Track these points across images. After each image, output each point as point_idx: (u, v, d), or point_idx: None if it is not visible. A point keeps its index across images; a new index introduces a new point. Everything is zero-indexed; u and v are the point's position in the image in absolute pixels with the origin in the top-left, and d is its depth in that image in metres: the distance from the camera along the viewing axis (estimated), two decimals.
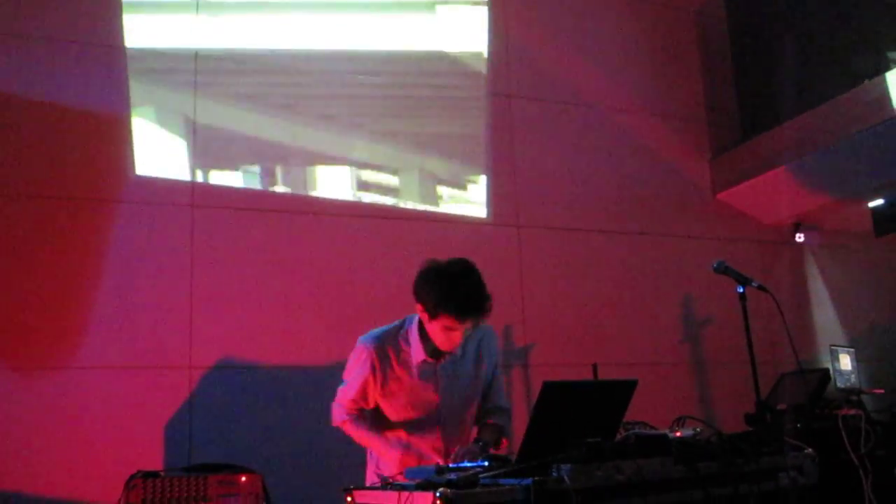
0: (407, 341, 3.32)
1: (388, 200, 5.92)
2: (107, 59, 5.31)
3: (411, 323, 3.35)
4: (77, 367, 4.85)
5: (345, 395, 3.43)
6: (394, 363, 3.30)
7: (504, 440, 3.35)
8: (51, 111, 5.10)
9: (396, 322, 3.40)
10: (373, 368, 3.29)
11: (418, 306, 3.22)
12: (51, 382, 4.78)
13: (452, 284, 3.13)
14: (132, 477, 3.94)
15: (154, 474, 3.97)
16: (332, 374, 5.34)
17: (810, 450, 2.99)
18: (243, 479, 4.06)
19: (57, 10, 5.24)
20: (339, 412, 3.48)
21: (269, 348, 5.29)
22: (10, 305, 4.79)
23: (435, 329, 3.19)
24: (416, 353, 3.29)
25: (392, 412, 3.36)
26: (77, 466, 4.69)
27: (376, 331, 3.38)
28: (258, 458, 4.61)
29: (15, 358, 4.76)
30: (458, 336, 3.18)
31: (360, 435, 3.47)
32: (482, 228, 6.13)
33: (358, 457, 5.25)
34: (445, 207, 6.08)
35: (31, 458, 4.63)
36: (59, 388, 4.78)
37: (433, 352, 3.29)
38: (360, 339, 3.38)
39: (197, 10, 5.58)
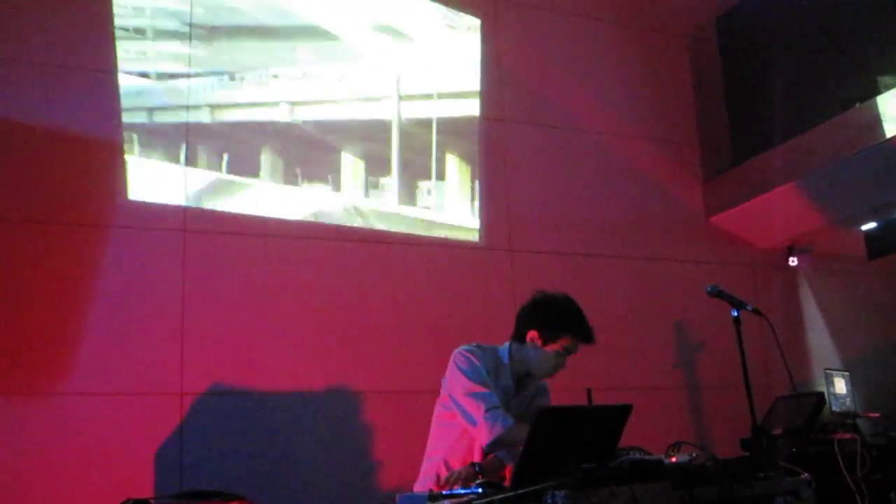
0: (499, 362, 3.49)
1: (380, 225, 5.90)
2: (99, 84, 5.30)
3: (502, 349, 3.53)
4: (67, 393, 4.81)
5: (488, 398, 3.30)
6: (489, 370, 3.43)
7: (508, 467, 3.32)
8: (42, 135, 5.09)
9: (486, 345, 3.54)
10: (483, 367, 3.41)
11: (532, 332, 3.43)
12: (40, 408, 4.73)
13: (578, 312, 3.45)
14: None
15: (144, 502, 3.92)
16: (325, 400, 5.37)
17: (807, 474, 2.97)
18: None
19: (48, 35, 5.24)
20: (501, 416, 3.26)
21: (261, 374, 5.25)
22: None
23: (547, 354, 3.42)
24: (505, 376, 3.46)
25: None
26: (66, 493, 4.64)
27: (472, 344, 3.51)
28: (250, 486, 4.57)
29: (4, 384, 4.71)
30: (565, 362, 3.46)
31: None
32: (475, 252, 6.12)
33: (352, 483, 5.23)
34: (438, 232, 6.07)
35: (20, 484, 4.58)
36: (48, 414, 4.74)
37: (517, 381, 3.50)
38: (465, 346, 3.48)
39: (190, 39, 5.58)
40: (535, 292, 3.55)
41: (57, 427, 4.74)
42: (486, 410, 3.23)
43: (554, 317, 3.43)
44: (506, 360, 3.49)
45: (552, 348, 3.41)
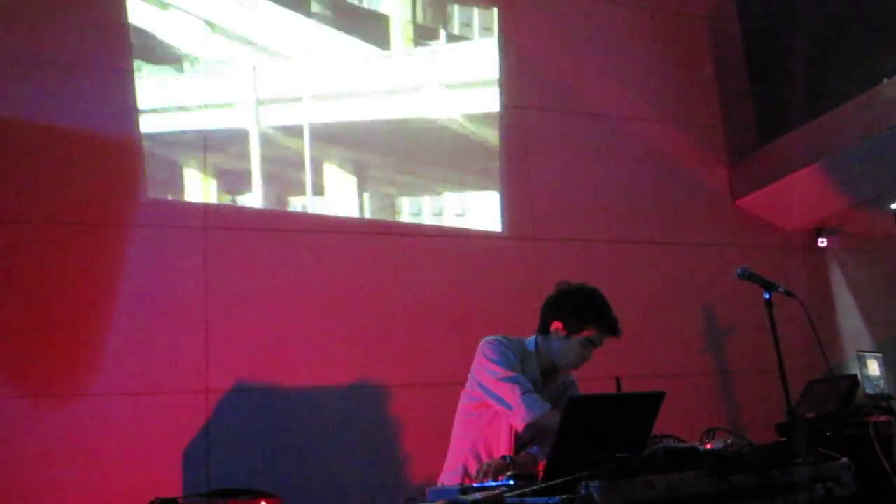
0: (526, 352, 3.45)
1: (403, 217, 5.85)
2: (116, 83, 5.29)
3: (529, 341, 3.49)
4: (92, 393, 4.81)
5: (522, 383, 3.28)
6: (518, 360, 3.41)
7: (541, 463, 3.27)
8: (61, 136, 5.08)
9: (513, 337, 3.50)
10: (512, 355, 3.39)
11: (557, 323, 3.40)
12: (66, 409, 4.73)
13: (602, 302, 3.41)
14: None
15: (172, 501, 3.92)
16: (350, 395, 5.34)
17: (846, 459, 2.90)
18: (263, 503, 4.00)
19: (66, 36, 5.23)
20: (539, 400, 3.23)
21: (285, 370, 5.23)
22: (23, 332, 4.75)
23: (572, 346, 3.39)
24: (532, 369, 3.42)
25: None
26: (94, 494, 4.64)
27: (499, 335, 3.48)
28: (278, 482, 4.55)
29: (31, 385, 4.72)
30: (591, 353, 3.42)
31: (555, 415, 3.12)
32: (498, 242, 6.06)
33: (378, 478, 5.20)
34: (461, 222, 6.01)
35: (47, 487, 4.58)
36: (74, 414, 4.74)
37: (543, 373, 3.45)
38: (492, 336, 3.46)
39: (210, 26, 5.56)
40: (560, 283, 3.52)
41: (83, 428, 4.74)
42: (522, 394, 3.20)
43: (578, 307, 3.40)
44: (532, 350, 3.45)
45: (577, 341, 3.38)
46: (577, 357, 3.41)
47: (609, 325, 3.38)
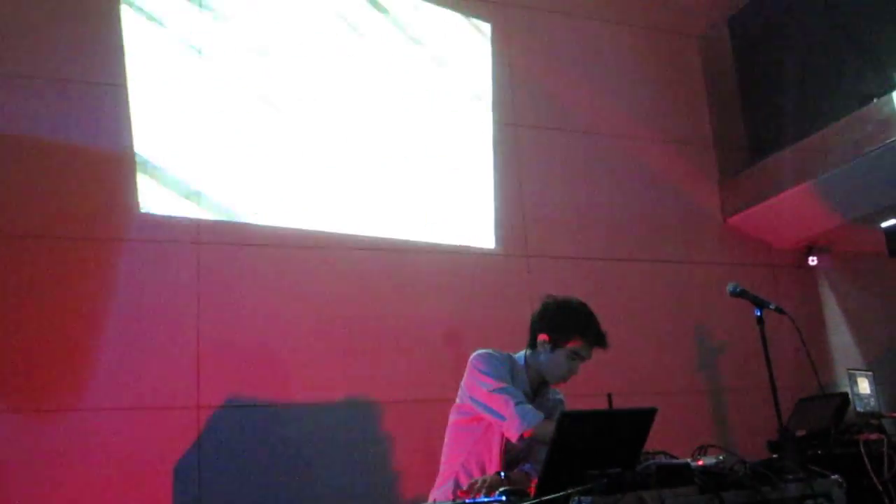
0: (516, 367, 3.44)
1: (395, 233, 5.86)
2: (109, 97, 5.29)
3: (519, 356, 3.49)
4: (83, 408, 4.78)
5: (514, 394, 3.27)
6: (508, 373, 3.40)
7: (534, 480, 3.27)
8: (54, 150, 5.08)
9: (503, 352, 3.50)
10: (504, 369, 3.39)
11: (543, 336, 3.41)
12: (57, 424, 4.71)
13: (588, 315, 3.41)
14: None
15: None
16: (342, 411, 5.32)
17: (837, 476, 2.91)
18: None
19: (59, 50, 5.24)
20: (532, 410, 3.22)
21: (277, 386, 5.22)
22: (14, 347, 4.74)
23: (558, 358, 3.39)
24: (522, 382, 3.40)
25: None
26: None
27: (489, 349, 3.48)
28: (269, 499, 4.54)
29: (21, 400, 4.69)
30: (577, 367, 3.40)
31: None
32: (491, 259, 6.07)
33: (370, 494, 5.18)
34: (453, 238, 6.02)
35: (37, 502, 4.55)
36: (65, 429, 4.71)
37: (533, 388, 3.46)
38: (482, 350, 3.46)
39: (200, 52, 5.57)
40: (546, 296, 3.53)
41: (74, 443, 4.71)
42: (516, 405, 3.19)
43: (562, 319, 3.41)
44: (522, 365, 3.45)
45: (563, 353, 3.38)
46: (563, 370, 3.40)
47: (595, 337, 3.37)
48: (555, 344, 3.38)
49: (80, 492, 4.64)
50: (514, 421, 3.16)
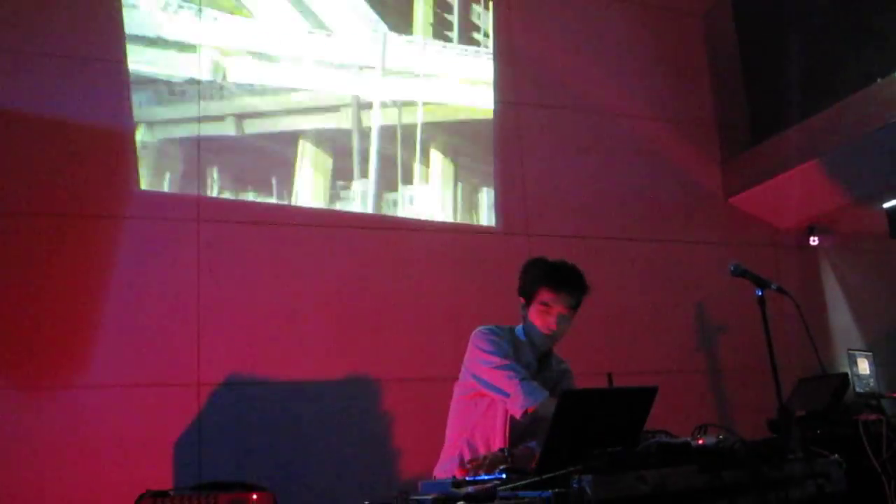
0: (517, 340, 3.43)
1: (396, 211, 5.85)
2: (109, 74, 5.28)
3: (519, 329, 3.48)
4: (84, 385, 4.80)
5: (517, 370, 3.24)
6: (510, 349, 3.38)
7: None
8: (53, 127, 5.07)
9: (504, 325, 3.49)
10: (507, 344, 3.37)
11: (521, 300, 3.43)
12: (58, 401, 4.73)
13: (551, 263, 3.42)
14: (141, 496, 3.88)
15: (163, 493, 3.90)
16: (343, 389, 5.33)
17: (836, 456, 2.91)
18: (255, 497, 3.99)
19: (57, 27, 5.22)
20: (536, 386, 3.19)
21: (278, 363, 5.23)
22: (15, 324, 4.74)
23: (533, 315, 3.37)
24: (525, 355, 3.39)
25: None
26: (85, 486, 4.63)
27: (490, 325, 3.46)
28: (269, 475, 4.55)
29: (22, 377, 4.71)
30: (552, 317, 3.34)
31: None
32: (492, 237, 6.07)
33: (371, 472, 5.20)
34: (454, 217, 6.01)
35: (38, 478, 4.57)
36: (66, 406, 4.73)
37: (537, 358, 3.43)
38: (484, 326, 3.44)
39: (198, 49, 5.54)
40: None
41: (75, 420, 4.73)
42: (520, 381, 3.17)
43: (526, 275, 3.44)
44: (523, 337, 3.43)
45: (536, 309, 3.36)
46: (542, 326, 3.36)
47: (555, 280, 3.35)
48: (527, 302, 3.40)
49: (80, 468, 4.66)
50: (517, 397, 3.14)
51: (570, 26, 6.78)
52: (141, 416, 4.84)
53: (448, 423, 3.50)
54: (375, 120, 5.92)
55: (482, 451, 3.24)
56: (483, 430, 3.35)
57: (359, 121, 5.87)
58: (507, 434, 3.30)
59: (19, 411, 4.64)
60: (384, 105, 5.97)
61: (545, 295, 3.34)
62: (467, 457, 3.26)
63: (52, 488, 4.59)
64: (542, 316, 3.35)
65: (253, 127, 5.60)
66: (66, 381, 4.78)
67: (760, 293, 3.71)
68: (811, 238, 7.00)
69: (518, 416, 3.16)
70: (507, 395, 3.18)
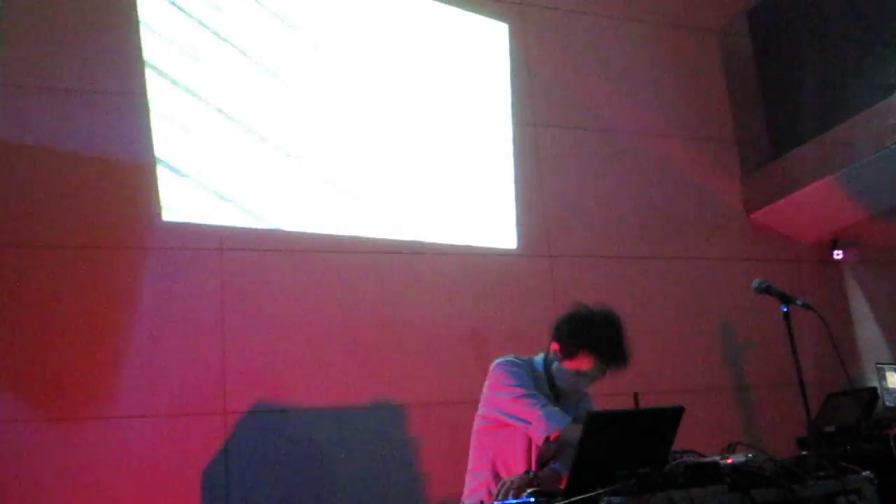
0: (535, 371, 3.38)
1: (416, 236, 5.86)
2: (129, 107, 5.32)
3: (538, 360, 3.42)
4: (110, 416, 4.81)
5: (539, 399, 3.22)
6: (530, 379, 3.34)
7: (564, 478, 3.24)
8: (75, 160, 5.11)
9: (523, 356, 3.44)
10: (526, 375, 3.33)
11: (555, 344, 3.32)
12: (84, 433, 4.73)
13: (607, 337, 3.23)
14: None
15: None
16: (368, 415, 5.33)
17: (868, 472, 2.88)
18: None
19: (79, 60, 5.27)
20: (558, 413, 3.18)
21: (303, 391, 5.23)
22: (41, 357, 4.76)
23: (564, 372, 3.29)
24: (543, 386, 3.34)
25: None
26: None
27: (509, 356, 3.42)
28: (296, 502, 4.54)
29: (48, 409, 4.72)
30: (585, 382, 3.31)
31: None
32: (514, 260, 6.06)
33: (397, 497, 5.19)
34: (475, 240, 6.01)
35: None
36: (93, 438, 4.74)
37: (556, 392, 3.38)
38: (503, 358, 3.40)
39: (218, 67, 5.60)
40: (575, 304, 3.37)
41: (101, 451, 4.74)
42: (542, 408, 3.15)
43: (576, 332, 3.26)
44: (541, 368, 3.39)
45: (571, 366, 3.27)
46: (567, 384, 3.32)
47: (608, 356, 3.22)
48: (564, 355, 3.29)
49: (107, 499, 4.66)
50: (539, 423, 3.13)
51: (587, 46, 6.79)
52: (168, 446, 4.85)
53: (470, 455, 3.47)
54: (393, 141, 5.93)
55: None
56: (505, 458, 3.33)
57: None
58: (533, 460, 3.28)
59: (46, 444, 4.65)
60: (402, 126, 5.99)
61: (587, 363, 3.24)
62: (492, 486, 3.23)
63: None
64: (576, 377, 3.29)
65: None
66: (92, 413, 4.79)
67: (786, 309, 3.69)
68: (835, 252, 6.94)
69: (540, 442, 3.15)
70: (529, 423, 3.17)
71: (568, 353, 3.26)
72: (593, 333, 3.23)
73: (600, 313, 3.29)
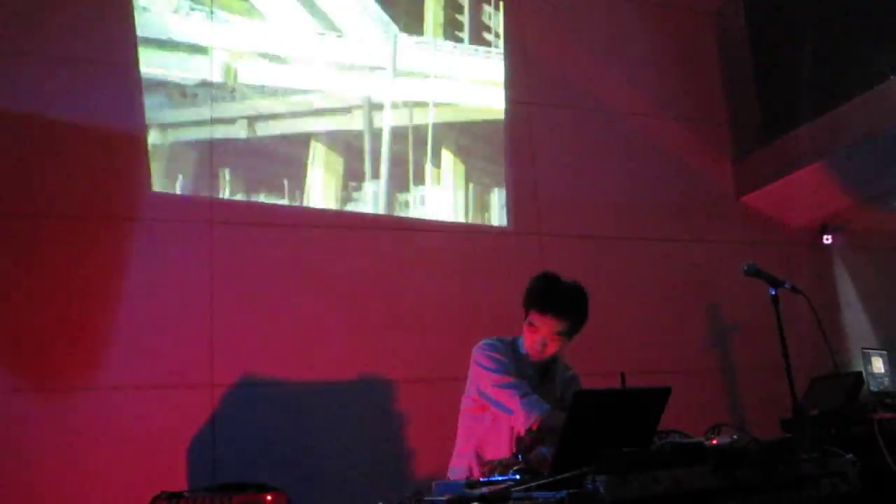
0: (517, 352, 3.40)
1: (408, 212, 5.85)
2: (121, 77, 5.29)
3: (519, 339, 3.44)
4: (98, 387, 4.81)
5: (519, 386, 3.23)
6: (511, 363, 3.36)
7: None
8: (66, 129, 5.09)
9: (507, 338, 3.47)
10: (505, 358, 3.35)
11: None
12: (72, 403, 4.74)
13: (548, 282, 3.31)
14: (156, 497, 3.90)
15: (178, 495, 3.92)
16: (356, 389, 5.34)
17: (851, 455, 2.90)
18: (269, 497, 4.00)
19: (70, 29, 5.24)
20: (537, 401, 3.18)
21: (291, 364, 5.24)
22: (29, 326, 4.76)
23: (524, 331, 3.34)
24: (527, 366, 3.38)
25: None
26: (100, 487, 4.65)
27: (492, 339, 3.45)
28: (282, 476, 4.55)
29: (36, 378, 4.73)
30: (537, 340, 3.29)
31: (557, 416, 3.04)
32: (504, 238, 6.07)
33: (384, 472, 5.21)
34: (465, 217, 6.01)
35: (53, 480, 4.59)
36: (80, 408, 4.74)
37: (539, 371, 3.40)
38: (485, 341, 3.42)
39: (209, 52, 5.56)
40: None
41: (89, 421, 4.75)
42: (521, 397, 3.17)
43: (527, 289, 3.36)
44: (522, 350, 3.41)
45: (528, 331, 3.32)
46: (528, 346, 3.35)
47: (542, 304, 3.26)
48: (525, 324, 3.35)
49: (95, 469, 4.67)
50: (519, 415, 3.14)
51: (581, 26, 6.77)
52: (155, 417, 4.85)
53: (458, 432, 3.51)
54: (386, 121, 5.92)
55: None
56: (492, 441, 3.35)
57: (370, 122, 5.88)
58: (515, 446, 3.29)
59: (34, 413, 4.66)
60: (395, 106, 5.97)
61: (533, 315, 3.29)
62: (475, 469, 3.26)
63: (67, 489, 4.60)
64: (529, 336, 3.33)
65: (264, 129, 5.61)
66: (79, 383, 4.80)
67: (774, 292, 3.71)
68: (824, 236, 6.97)
69: (522, 432, 3.17)
70: (511, 412, 3.19)
71: (525, 319, 3.33)
72: (530, 289, 3.33)
73: (546, 273, 3.38)
